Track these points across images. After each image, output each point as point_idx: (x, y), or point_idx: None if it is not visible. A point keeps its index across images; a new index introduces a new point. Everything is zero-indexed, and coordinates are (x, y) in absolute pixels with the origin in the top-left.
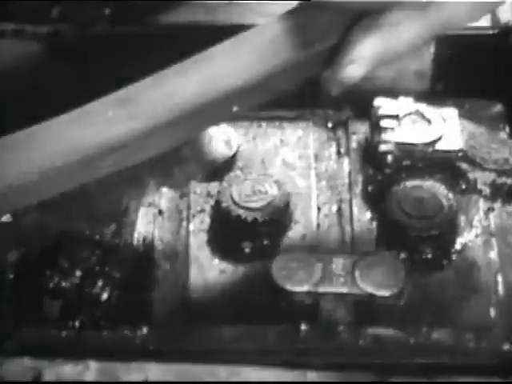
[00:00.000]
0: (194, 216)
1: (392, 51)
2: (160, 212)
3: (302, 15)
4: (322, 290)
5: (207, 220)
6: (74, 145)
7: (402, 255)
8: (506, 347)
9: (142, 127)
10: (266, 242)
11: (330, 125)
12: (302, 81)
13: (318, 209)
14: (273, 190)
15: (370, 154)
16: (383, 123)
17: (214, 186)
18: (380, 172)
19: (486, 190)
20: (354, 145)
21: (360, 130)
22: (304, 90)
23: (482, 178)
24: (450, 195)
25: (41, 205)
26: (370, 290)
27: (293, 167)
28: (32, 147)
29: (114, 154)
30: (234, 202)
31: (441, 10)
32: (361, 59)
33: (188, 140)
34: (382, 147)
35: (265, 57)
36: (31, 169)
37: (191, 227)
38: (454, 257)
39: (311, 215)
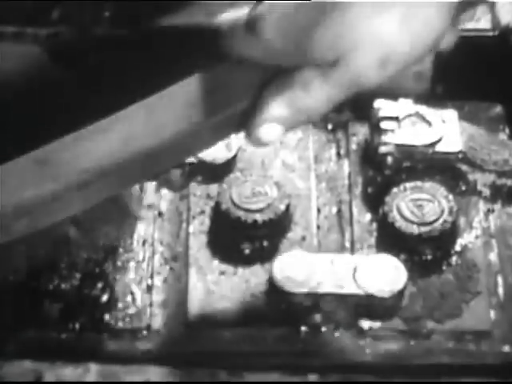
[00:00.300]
0: (193, 218)
1: (305, 110)
2: (160, 214)
3: (218, 75)
4: (322, 291)
5: (207, 222)
6: None
7: (402, 256)
8: (506, 349)
9: (59, 188)
10: (265, 244)
11: (329, 126)
12: (219, 141)
13: (318, 210)
14: (272, 192)
15: (369, 156)
16: (383, 125)
17: (213, 188)
18: (380, 173)
19: (486, 192)
20: (353, 146)
21: (360, 132)
22: None
23: (482, 180)
24: (450, 196)
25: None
26: (370, 291)
27: (292, 169)
28: None
29: (24, 216)
30: (234, 204)
31: (349, 68)
32: (273, 119)
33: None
34: (382, 149)
35: (179, 118)
36: None
37: (191, 229)
38: (453, 258)
39: (311, 217)
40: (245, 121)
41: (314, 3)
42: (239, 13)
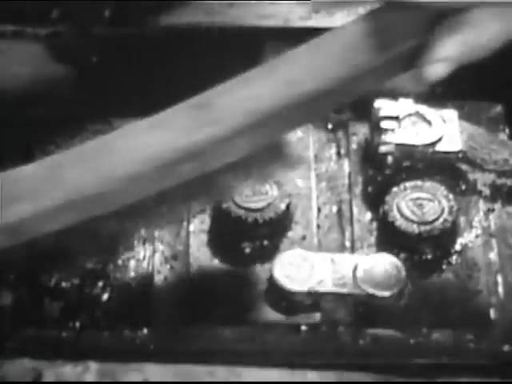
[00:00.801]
0: (194, 217)
1: (475, 50)
2: None
3: (381, 16)
4: (322, 290)
5: (207, 221)
6: (153, 151)
7: (402, 256)
8: (506, 348)
9: (221, 132)
10: (266, 243)
11: (329, 126)
12: (384, 82)
13: (318, 209)
14: (273, 191)
15: (370, 155)
16: (383, 124)
17: None
18: (380, 173)
19: (486, 191)
20: (354, 146)
21: (360, 132)
22: None
23: (482, 179)
24: (450, 196)
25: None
26: (370, 290)
27: (293, 168)
28: (111, 155)
29: (193, 160)
30: (235, 203)
31: None
32: (445, 59)
33: (267, 144)
34: (382, 148)
35: (344, 60)
36: (111, 176)
37: (191, 228)
38: (453, 257)
39: (311, 216)
40: (412, 61)
41: None
42: None
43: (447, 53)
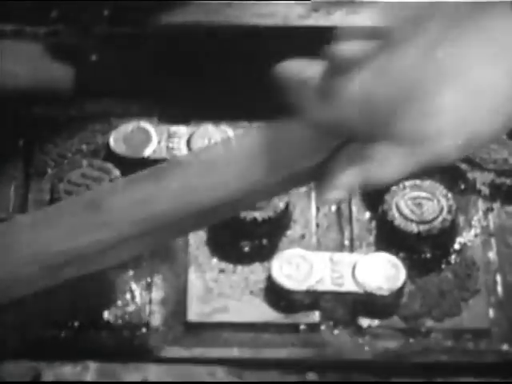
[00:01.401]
0: None
1: (375, 181)
2: None
3: (285, 130)
4: (321, 289)
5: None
6: (38, 253)
7: (401, 255)
8: (505, 347)
9: (108, 238)
10: (265, 242)
11: None
12: (278, 194)
13: (317, 208)
14: None
15: None
16: None
17: None
18: None
19: (486, 190)
20: None
21: None
22: None
23: (481, 178)
24: (449, 195)
25: None
26: (370, 289)
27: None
28: None
29: (77, 263)
30: None
31: (431, 149)
32: (342, 186)
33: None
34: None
35: (243, 173)
36: None
37: None
38: (453, 256)
39: (310, 215)
40: (309, 180)
41: (397, 86)
42: (311, 69)
43: (346, 182)
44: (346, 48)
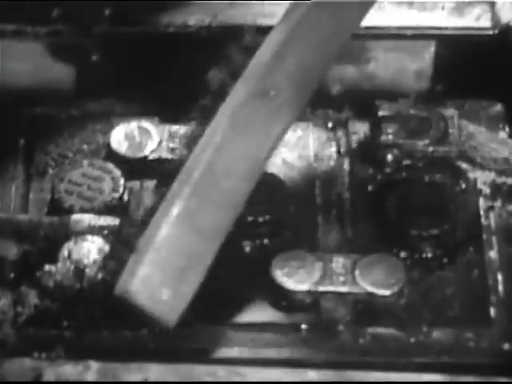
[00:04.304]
0: None
1: None
2: None
3: None
4: (322, 289)
5: None
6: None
7: (402, 254)
8: (506, 346)
9: None
10: (266, 242)
11: (329, 125)
12: None
13: (318, 208)
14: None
15: (370, 154)
16: (383, 123)
17: None
18: (380, 172)
19: (486, 190)
20: (354, 145)
21: (360, 130)
22: None
23: (482, 178)
24: (451, 195)
25: None
26: (370, 289)
27: (293, 167)
28: None
29: None
30: None
31: None
32: None
33: None
34: (382, 147)
35: None
36: None
37: None
38: (453, 256)
39: (311, 215)
40: None
41: None
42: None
43: None
44: None
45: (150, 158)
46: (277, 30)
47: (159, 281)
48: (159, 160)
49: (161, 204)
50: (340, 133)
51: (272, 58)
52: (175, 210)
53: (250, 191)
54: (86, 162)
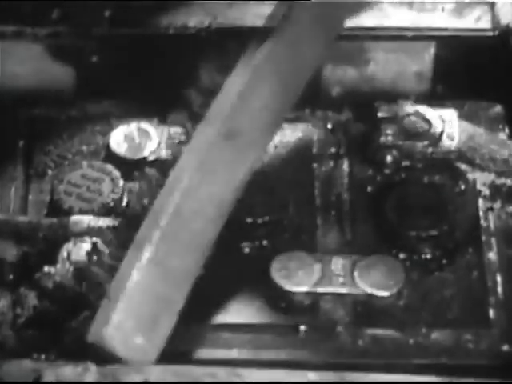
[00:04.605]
0: None
1: None
2: None
3: None
4: (321, 290)
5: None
6: None
7: (402, 255)
8: (505, 348)
9: None
10: (265, 243)
11: (329, 126)
12: None
13: (318, 209)
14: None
15: (369, 155)
16: (383, 124)
17: None
18: (379, 173)
19: (486, 191)
20: (353, 146)
21: (359, 132)
22: (304, 91)
23: (482, 179)
24: (450, 196)
25: None
26: (369, 290)
27: (292, 168)
28: None
29: None
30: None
31: None
32: None
33: None
34: (382, 148)
35: None
36: None
37: None
38: (453, 257)
39: (310, 216)
40: None
41: None
42: None
43: None
44: None
45: (150, 159)
46: (239, 69)
47: (132, 327)
48: (158, 161)
49: (130, 248)
50: (339, 134)
51: (236, 99)
52: (145, 255)
53: (217, 233)
54: (85, 164)
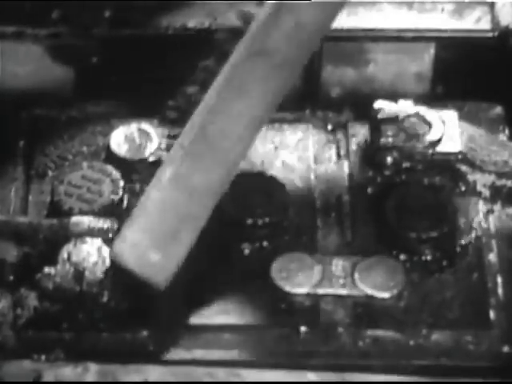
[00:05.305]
0: None
1: None
2: None
3: None
4: (321, 291)
5: (207, 222)
6: None
7: (402, 257)
8: (506, 349)
9: None
10: (265, 244)
11: (329, 127)
12: None
13: (318, 211)
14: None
15: (369, 157)
16: (383, 126)
17: None
18: (380, 174)
19: (486, 192)
20: (353, 147)
21: (360, 133)
22: (304, 92)
23: (482, 180)
24: (450, 197)
25: None
26: (370, 291)
27: (292, 169)
28: None
29: None
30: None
31: None
32: None
33: None
34: (382, 149)
35: None
36: None
37: None
38: (453, 258)
39: (311, 217)
40: None
41: None
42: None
43: None
44: None
45: (150, 159)
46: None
47: (147, 244)
48: (159, 162)
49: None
50: (339, 135)
51: (270, 17)
52: (166, 174)
53: (247, 152)
54: (85, 164)
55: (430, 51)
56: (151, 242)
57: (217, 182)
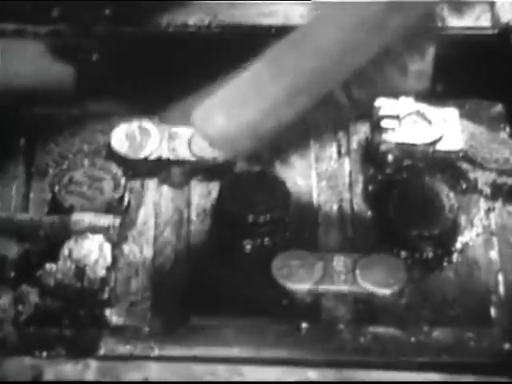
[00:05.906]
0: (194, 215)
1: None
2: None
3: None
4: (322, 288)
5: (208, 219)
6: None
7: (403, 254)
8: (507, 346)
9: None
10: (266, 241)
11: (330, 125)
12: None
13: (319, 208)
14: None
15: (370, 154)
16: (384, 123)
17: (214, 186)
18: (381, 172)
19: (487, 190)
20: (354, 145)
21: (360, 131)
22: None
23: (483, 178)
24: (451, 195)
25: None
26: (371, 288)
27: (293, 167)
28: None
29: None
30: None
31: None
32: None
33: None
34: (383, 147)
35: None
36: None
37: (192, 227)
38: (454, 256)
39: (312, 214)
40: None
41: None
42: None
43: None
44: None
45: (151, 158)
46: None
47: (217, 110)
48: (160, 159)
49: None
50: (340, 133)
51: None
52: (262, 58)
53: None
54: (86, 162)
55: (431, 49)
56: (221, 108)
57: (307, 71)
